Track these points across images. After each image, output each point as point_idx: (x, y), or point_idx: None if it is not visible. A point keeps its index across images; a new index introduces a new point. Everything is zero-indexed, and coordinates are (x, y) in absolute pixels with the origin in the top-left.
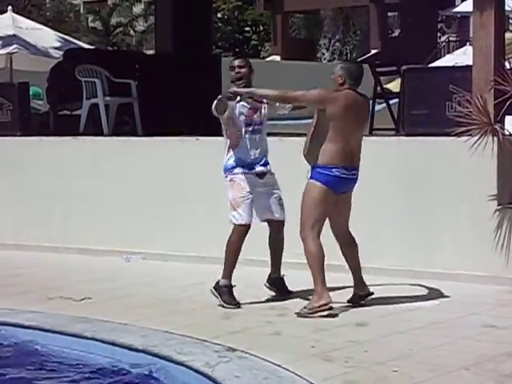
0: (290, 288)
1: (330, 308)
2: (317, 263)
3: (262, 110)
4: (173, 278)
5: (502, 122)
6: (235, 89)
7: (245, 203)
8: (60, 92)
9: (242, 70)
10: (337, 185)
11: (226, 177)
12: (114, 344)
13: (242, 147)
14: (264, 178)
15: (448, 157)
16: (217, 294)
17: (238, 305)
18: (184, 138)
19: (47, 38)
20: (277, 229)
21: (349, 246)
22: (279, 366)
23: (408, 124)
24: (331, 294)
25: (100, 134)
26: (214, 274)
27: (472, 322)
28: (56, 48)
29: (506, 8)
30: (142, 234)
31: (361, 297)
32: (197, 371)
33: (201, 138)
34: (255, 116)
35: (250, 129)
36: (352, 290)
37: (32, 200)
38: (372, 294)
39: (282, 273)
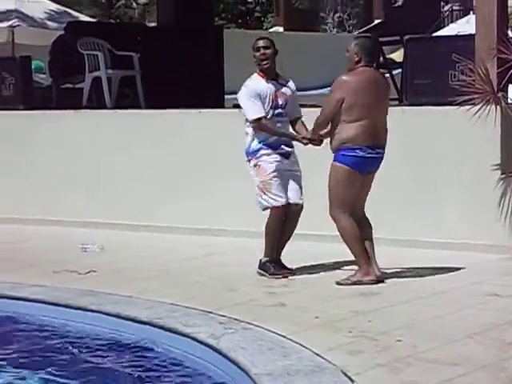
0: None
1: (378, 282)
2: (353, 240)
3: (288, 94)
4: (177, 250)
5: (505, 90)
6: (306, 138)
7: (275, 184)
8: (62, 65)
9: (267, 51)
10: (362, 165)
11: (250, 161)
12: (119, 317)
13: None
14: (290, 158)
15: (451, 126)
16: (263, 272)
17: (285, 274)
18: (186, 110)
19: (49, 11)
20: (297, 213)
21: (363, 229)
22: (284, 336)
23: (411, 94)
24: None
25: (103, 107)
26: (219, 247)
27: (475, 291)
28: (57, 21)
29: None
30: (147, 206)
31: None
32: (202, 343)
33: (203, 110)
34: (280, 100)
35: (276, 112)
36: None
37: (34, 174)
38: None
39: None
